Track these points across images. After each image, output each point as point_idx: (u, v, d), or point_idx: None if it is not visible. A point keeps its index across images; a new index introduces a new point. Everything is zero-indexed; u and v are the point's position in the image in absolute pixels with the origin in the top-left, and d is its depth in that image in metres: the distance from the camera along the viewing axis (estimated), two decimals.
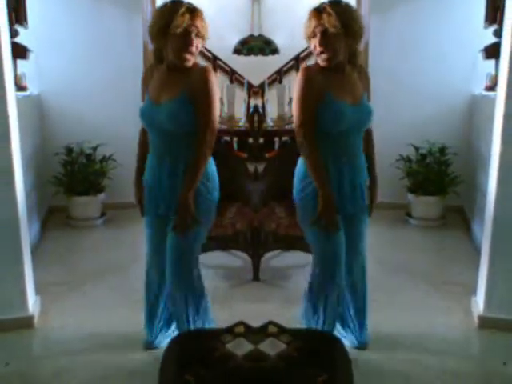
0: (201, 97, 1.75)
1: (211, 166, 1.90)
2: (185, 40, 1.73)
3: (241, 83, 4.08)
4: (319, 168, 1.79)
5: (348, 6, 1.78)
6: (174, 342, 1.64)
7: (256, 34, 4.22)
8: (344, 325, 2.10)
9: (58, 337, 2.22)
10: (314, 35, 1.76)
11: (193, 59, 1.79)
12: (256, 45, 3.89)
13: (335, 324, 2.03)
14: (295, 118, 1.80)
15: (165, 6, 1.76)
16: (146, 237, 2.03)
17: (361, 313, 2.09)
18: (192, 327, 1.93)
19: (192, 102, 1.76)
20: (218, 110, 1.81)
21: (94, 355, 2.08)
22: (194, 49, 1.76)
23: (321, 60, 1.78)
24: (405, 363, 2.04)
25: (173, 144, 1.83)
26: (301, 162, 1.90)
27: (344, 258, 1.91)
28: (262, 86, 3.38)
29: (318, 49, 1.76)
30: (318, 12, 1.74)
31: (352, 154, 1.88)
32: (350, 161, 1.88)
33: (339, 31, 1.71)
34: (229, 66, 4.09)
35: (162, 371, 1.49)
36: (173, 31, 1.71)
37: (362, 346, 2.08)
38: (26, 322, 2.26)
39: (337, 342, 1.63)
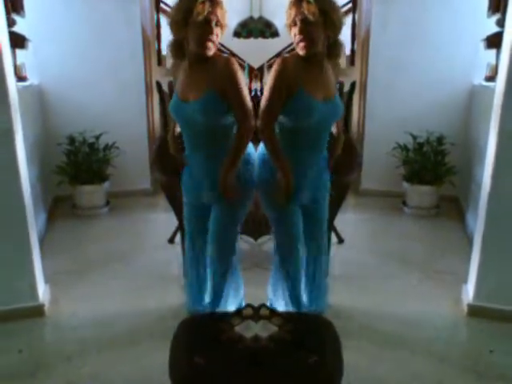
0: (231, 90, 1.80)
1: (250, 149, 1.97)
2: (205, 28, 1.76)
3: (241, 66, 4.05)
4: (279, 150, 1.87)
5: None
6: (184, 324, 1.66)
7: (256, 16, 4.16)
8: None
9: (69, 324, 2.26)
10: (294, 24, 1.80)
11: (214, 48, 1.81)
12: (256, 27, 3.85)
13: (299, 300, 2.12)
14: (262, 106, 1.85)
15: None
16: (186, 220, 2.13)
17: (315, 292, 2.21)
18: (225, 301, 2.08)
19: (221, 95, 1.80)
20: (248, 97, 1.85)
21: (105, 342, 2.12)
22: (214, 37, 1.78)
23: (299, 48, 1.81)
24: (393, 348, 2.08)
25: (209, 136, 1.89)
26: (260, 150, 1.99)
27: (301, 236, 2.03)
28: (260, 70, 3.35)
29: (298, 37, 1.79)
30: (298, 1, 1.77)
31: (318, 146, 1.96)
32: (317, 153, 1.97)
33: (318, 19, 1.75)
34: (229, 50, 4.05)
35: (172, 354, 1.51)
36: (194, 19, 1.74)
37: None
38: (37, 311, 2.30)
39: (328, 324, 1.66)
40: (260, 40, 3.86)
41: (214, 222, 2.01)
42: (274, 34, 3.86)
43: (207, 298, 2.17)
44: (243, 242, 2.87)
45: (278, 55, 4.03)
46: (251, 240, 2.87)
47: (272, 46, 3.98)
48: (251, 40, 3.83)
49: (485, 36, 3.29)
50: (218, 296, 2.11)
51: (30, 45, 3.31)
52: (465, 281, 2.49)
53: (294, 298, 2.11)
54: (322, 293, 2.24)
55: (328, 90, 1.88)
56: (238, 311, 1.67)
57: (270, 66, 3.99)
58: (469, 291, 2.40)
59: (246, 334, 1.53)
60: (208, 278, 2.14)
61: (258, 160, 2.00)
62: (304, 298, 2.19)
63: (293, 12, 1.78)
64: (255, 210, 2.77)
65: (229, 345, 1.48)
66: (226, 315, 1.66)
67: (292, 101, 1.81)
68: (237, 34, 3.89)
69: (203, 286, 2.19)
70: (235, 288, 2.16)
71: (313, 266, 2.16)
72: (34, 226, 2.36)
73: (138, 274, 2.76)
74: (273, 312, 1.67)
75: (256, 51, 3.86)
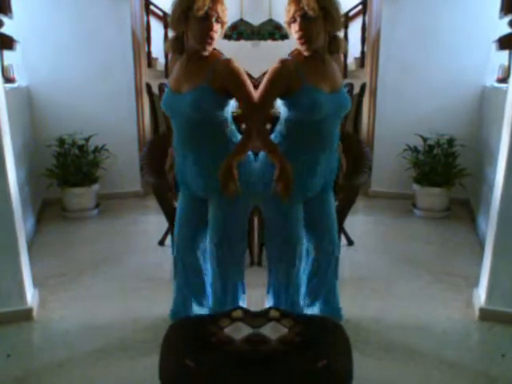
0: (237, 90, 1.80)
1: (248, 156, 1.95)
2: (206, 25, 1.75)
3: None
4: (269, 139, 1.87)
5: None
6: (173, 328, 1.65)
7: (266, 18, 4.18)
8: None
9: (58, 328, 2.24)
10: (294, 20, 1.78)
11: (213, 45, 1.81)
12: (246, 30, 3.90)
13: (297, 304, 2.08)
14: (257, 98, 1.83)
15: None
16: (177, 213, 2.10)
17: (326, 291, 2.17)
18: (221, 304, 2.03)
19: (216, 92, 1.79)
20: (253, 93, 1.83)
21: (94, 345, 2.10)
22: (214, 33, 1.78)
23: (300, 44, 1.80)
24: (402, 352, 2.06)
25: (196, 132, 1.87)
26: (262, 155, 1.97)
27: (302, 234, 2.00)
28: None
29: (298, 34, 1.78)
30: None
31: (329, 141, 1.93)
32: (327, 147, 1.93)
33: (318, 14, 1.73)
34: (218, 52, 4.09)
35: (162, 357, 1.51)
36: (194, 15, 1.73)
37: None
38: (26, 315, 2.27)
39: (338, 327, 1.65)
40: (261, 43, 3.89)
41: (213, 212, 1.93)
42: (284, 36, 3.87)
43: (203, 303, 2.14)
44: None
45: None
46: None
47: (269, 50, 4.00)
48: (262, 42, 3.86)
49: (497, 37, 3.26)
50: (218, 298, 2.04)
51: (18, 46, 3.31)
52: (476, 284, 2.46)
53: (292, 302, 2.05)
54: (334, 297, 2.19)
55: (334, 81, 1.86)
56: (228, 313, 1.65)
57: None
58: (480, 295, 2.37)
59: (236, 336, 1.51)
60: (205, 283, 2.11)
61: (260, 163, 1.96)
62: (317, 303, 2.16)
63: (292, 8, 1.76)
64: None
65: (220, 347, 1.47)
66: (217, 317, 1.64)
67: (297, 96, 1.79)
68: (227, 36, 3.92)
69: (193, 293, 2.14)
70: (238, 290, 2.09)
71: (324, 266, 2.10)
72: (22, 228, 2.33)
73: (129, 276, 2.74)
74: (283, 314, 1.66)
75: (264, 54, 3.89)
